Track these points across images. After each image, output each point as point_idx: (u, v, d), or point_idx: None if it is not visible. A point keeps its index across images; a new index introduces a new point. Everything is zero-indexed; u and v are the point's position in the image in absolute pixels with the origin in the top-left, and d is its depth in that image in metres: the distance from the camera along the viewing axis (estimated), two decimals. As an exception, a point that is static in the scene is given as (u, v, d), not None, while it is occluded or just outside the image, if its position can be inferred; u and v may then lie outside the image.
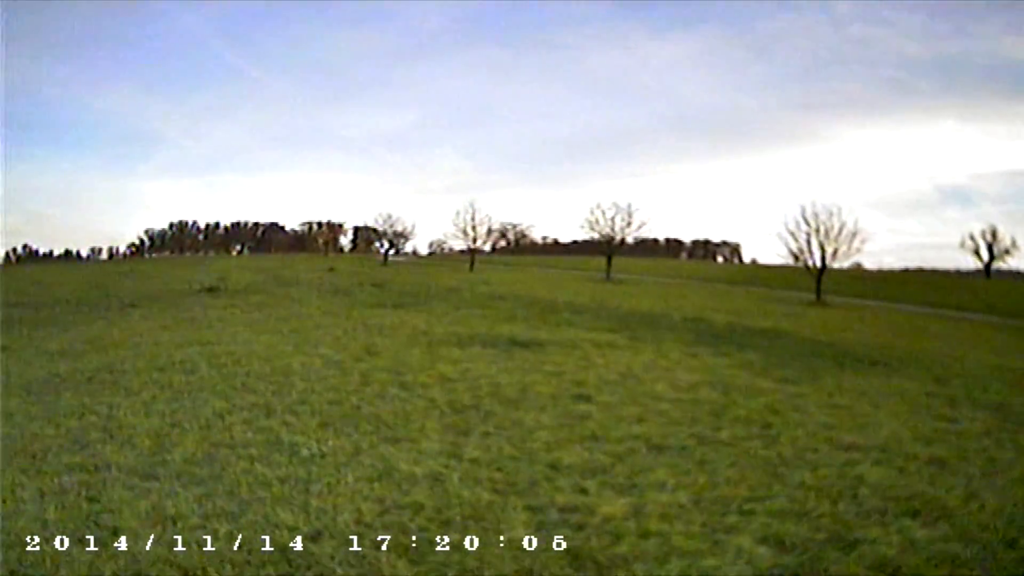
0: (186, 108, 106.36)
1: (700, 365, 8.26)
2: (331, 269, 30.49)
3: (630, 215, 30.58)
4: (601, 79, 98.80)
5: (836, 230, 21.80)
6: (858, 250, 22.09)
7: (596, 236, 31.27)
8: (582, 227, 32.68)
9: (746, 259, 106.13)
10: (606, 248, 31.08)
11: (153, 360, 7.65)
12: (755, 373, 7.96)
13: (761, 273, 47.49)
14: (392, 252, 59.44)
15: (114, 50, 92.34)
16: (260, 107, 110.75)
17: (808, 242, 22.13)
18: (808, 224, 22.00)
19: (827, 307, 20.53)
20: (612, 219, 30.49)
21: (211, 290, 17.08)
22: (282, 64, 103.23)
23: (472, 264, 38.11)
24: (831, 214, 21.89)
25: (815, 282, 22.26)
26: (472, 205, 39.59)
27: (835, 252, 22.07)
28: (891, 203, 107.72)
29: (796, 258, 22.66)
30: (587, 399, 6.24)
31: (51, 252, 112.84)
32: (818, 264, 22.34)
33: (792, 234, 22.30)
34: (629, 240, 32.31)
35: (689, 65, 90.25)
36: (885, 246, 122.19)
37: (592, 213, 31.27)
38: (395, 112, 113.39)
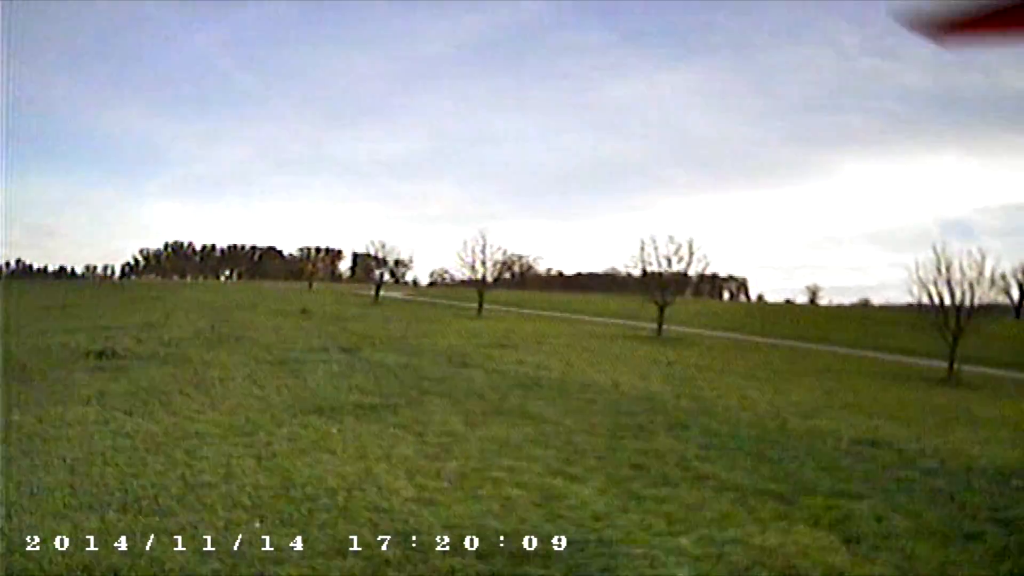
0: (193, 129, 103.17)
1: None
2: (303, 311, 24.73)
3: (691, 251, 24.67)
4: (604, 110, 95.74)
5: (977, 274, 16.13)
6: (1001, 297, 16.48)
7: (648, 272, 24.78)
8: (627, 266, 26.66)
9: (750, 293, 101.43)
10: (655, 291, 24.20)
11: None
12: None
13: (807, 318, 41.64)
14: (392, 281, 54.00)
15: (122, 68, 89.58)
16: (266, 130, 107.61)
17: (936, 286, 16.34)
18: (942, 266, 16.28)
19: (978, 389, 14.89)
20: (668, 257, 24.32)
21: (101, 355, 11.56)
22: (288, 87, 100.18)
23: (480, 305, 32.21)
24: (974, 257, 16.21)
25: (946, 343, 16.35)
26: (483, 236, 33.92)
27: (972, 303, 16.37)
28: (893, 237, 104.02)
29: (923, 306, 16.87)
30: None
31: (46, 268, 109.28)
32: (954, 316, 16.40)
33: (921, 279, 16.49)
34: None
35: (693, 97, 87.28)
36: (887, 280, 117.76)
37: (643, 248, 24.94)
38: (399, 138, 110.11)
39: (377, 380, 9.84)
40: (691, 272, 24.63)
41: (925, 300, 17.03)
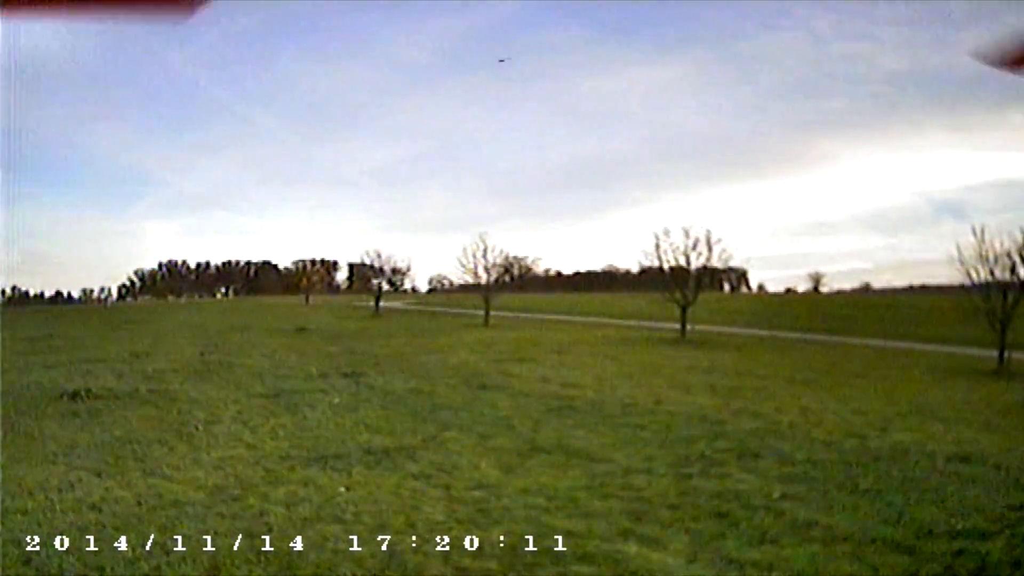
0: (178, 147, 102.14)
1: None
2: (301, 330, 23.39)
3: (709, 244, 22.82)
4: (587, 108, 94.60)
5: (1019, 254, 14.97)
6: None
7: (666, 269, 23.37)
8: (641, 261, 25.29)
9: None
10: (677, 290, 22.92)
11: None
12: None
13: (820, 308, 40.14)
14: (391, 290, 52.68)
15: (104, 90, 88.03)
16: (252, 144, 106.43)
17: (977, 270, 15.22)
18: (984, 247, 15.12)
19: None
20: (686, 253, 22.91)
21: (75, 396, 10.33)
22: (271, 101, 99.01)
23: (487, 314, 30.80)
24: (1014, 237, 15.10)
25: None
26: (483, 240, 32.63)
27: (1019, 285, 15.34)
28: (886, 220, 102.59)
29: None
30: None
31: (42, 293, 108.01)
32: (1001, 300, 15.15)
33: (965, 262, 15.30)
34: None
35: (676, 91, 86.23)
36: (883, 263, 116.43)
37: (659, 243, 23.28)
38: (384, 146, 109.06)
39: (387, 413, 8.57)
40: (711, 265, 23.18)
41: (965, 283, 15.96)
